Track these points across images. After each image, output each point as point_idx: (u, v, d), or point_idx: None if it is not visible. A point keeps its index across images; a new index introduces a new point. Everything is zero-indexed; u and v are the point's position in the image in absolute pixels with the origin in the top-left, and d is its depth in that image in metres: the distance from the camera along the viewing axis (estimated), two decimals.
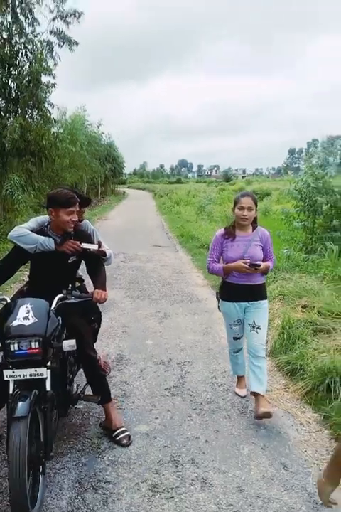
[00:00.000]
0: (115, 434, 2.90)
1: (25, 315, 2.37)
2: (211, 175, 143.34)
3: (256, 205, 3.27)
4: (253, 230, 3.30)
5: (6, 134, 10.84)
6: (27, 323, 2.34)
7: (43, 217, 3.04)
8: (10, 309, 2.45)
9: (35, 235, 2.82)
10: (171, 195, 32.85)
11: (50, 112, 12.14)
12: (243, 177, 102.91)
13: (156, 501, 2.35)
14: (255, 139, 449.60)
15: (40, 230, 2.89)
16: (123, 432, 2.91)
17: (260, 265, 3.14)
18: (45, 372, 2.31)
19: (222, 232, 3.35)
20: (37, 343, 2.29)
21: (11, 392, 2.26)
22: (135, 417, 3.20)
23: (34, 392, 2.24)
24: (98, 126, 27.56)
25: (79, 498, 2.36)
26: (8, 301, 2.56)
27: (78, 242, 2.84)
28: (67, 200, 2.79)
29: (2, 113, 11.75)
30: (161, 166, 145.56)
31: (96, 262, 3.00)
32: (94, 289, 2.82)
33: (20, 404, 2.17)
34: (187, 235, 12.66)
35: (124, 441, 2.86)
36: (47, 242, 2.79)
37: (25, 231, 2.82)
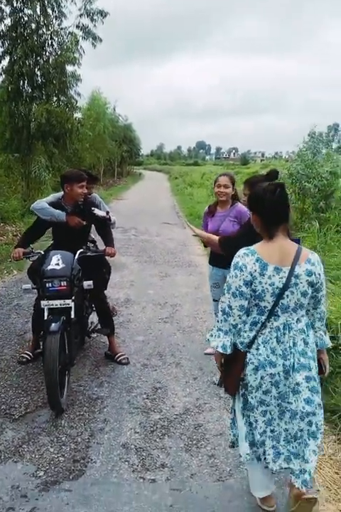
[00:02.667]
0: (116, 356, 3.80)
1: (56, 262, 3.15)
2: (229, 157, 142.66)
3: (233, 184, 3.74)
4: (230, 207, 3.76)
5: (32, 118, 12.13)
6: (58, 267, 3.12)
7: (59, 193, 3.80)
8: (44, 258, 3.26)
9: (51, 209, 3.54)
10: (186, 177, 33.78)
11: (76, 100, 13.28)
12: (261, 160, 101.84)
13: (145, 371, 3.70)
14: (275, 122, 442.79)
15: (57, 203, 3.63)
16: (122, 355, 3.84)
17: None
18: (70, 303, 3.09)
19: (206, 210, 3.98)
20: (65, 282, 3.09)
21: (45, 318, 3.06)
22: (136, 332, 4.54)
23: (63, 317, 3.02)
24: (114, 109, 28.64)
25: (96, 368, 3.71)
26: (43, 253, 3.42)
27: (80, 219, 3.57)
28: (78, 176, 3.57)
29: (28, 99, 13.02)
30: (178, 148, 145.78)
31: (104, 225, 3.76)
32: (105, 246, 3.64)
33: (53, 324, 2.95)
34: (196, 215, 13.84)
35: (124, 361, 3.78)
36: (60, 215, 3.55)
37: (44, 205, 3.56)
